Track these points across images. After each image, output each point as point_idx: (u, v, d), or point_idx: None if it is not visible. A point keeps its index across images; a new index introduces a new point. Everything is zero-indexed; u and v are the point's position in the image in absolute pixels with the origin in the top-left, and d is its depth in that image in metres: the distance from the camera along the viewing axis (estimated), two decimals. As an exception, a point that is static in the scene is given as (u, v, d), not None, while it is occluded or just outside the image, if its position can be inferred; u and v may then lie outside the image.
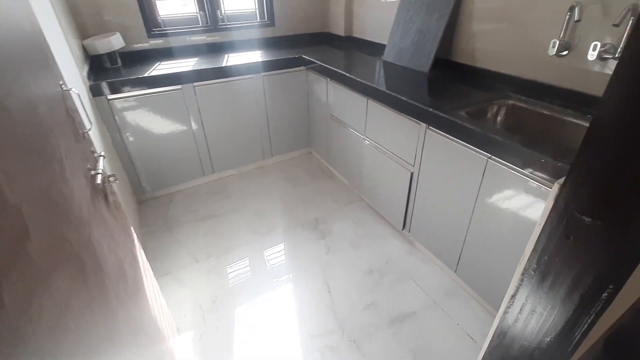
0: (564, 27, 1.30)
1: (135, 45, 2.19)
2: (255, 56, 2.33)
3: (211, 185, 2.35)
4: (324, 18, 2.78)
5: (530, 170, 1.07)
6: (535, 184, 1.07)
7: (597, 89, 1.31)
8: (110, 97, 1.80)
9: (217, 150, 2.28)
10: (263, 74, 2.19)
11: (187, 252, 1.79)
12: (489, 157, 1.21)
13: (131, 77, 1.80)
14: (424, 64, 1.84)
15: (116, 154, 1.93)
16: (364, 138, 1.91)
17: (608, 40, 1.23)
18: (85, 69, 1.76)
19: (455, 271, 1.54)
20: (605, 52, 1.23)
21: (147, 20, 2.18)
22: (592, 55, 1.24)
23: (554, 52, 1.35)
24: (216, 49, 2.44)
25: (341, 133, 2.14)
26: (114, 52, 2.00)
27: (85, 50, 1.93)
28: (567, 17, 1.28)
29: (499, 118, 1.54)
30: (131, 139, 1.95)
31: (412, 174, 1.61)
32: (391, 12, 2.12)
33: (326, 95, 2.17)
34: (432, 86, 1.67)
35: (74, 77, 1.50)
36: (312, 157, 2.68)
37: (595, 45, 1.21)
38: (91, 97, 1.72)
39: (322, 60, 2.17)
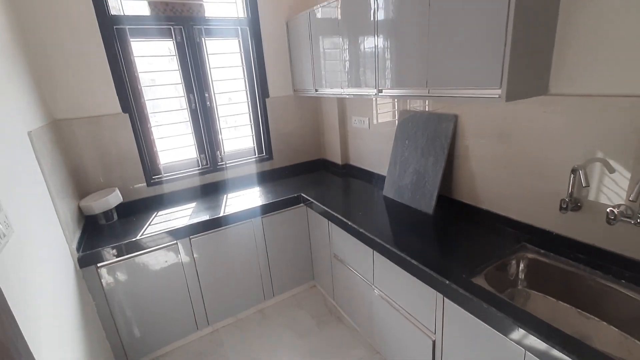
0: (569, 187, 1.26)
1: (133, 195, 2.18)
2: (254, 194, 2.32)
3: (204, 342, 2.09)
4: (320, 147, 2.88)
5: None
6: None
7: (625, 248, 1.19)
8: (100, 264, 1.69)
9: (213, 300, 2.09)
10: (262, 216, 2.14)
11: None
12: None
13: (124, 242, 1.72)
14: (427, 205, 1.79)
15: (100, 325, 1.74)
16: (373, 287, 1.75)
17: (622, 201, 1.17)
18: (77, 237, 1.69)
19: None
20: (623, 214, 1.15)
21: (147, 170, 2.22)
22: (610, 220, 1.16)
23: (565, 212, 1.29)
24: (214, 190, 2.45)
25: (347, 275, 1.99)
26: (110, 209, 1.97)
27: (80, 210, 1.90)
28: (572, 178, 1.25)
29: (520, 275, 1.41)
30: (117, 304, 1.79)
31: (434, 342, 1.41)
32: (386, 145, 2.17)
33: (328, 236, 2.08)
34: (439, 234, 1.59)
35: (59, 257, 1.41)
36: (317, 292, 2.48)
37: (612, 212, 1.14)
38: (78, 269, 1.61)
39: (320, 195, 2.16)
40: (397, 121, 2.07)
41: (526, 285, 1.41)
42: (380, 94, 1.72)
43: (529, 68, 1.19)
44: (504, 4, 1.07)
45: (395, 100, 2.06)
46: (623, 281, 1.17)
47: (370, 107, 2.28)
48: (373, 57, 1.68)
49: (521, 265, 1.41)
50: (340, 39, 1.88)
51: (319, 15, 2.03)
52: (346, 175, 2.61)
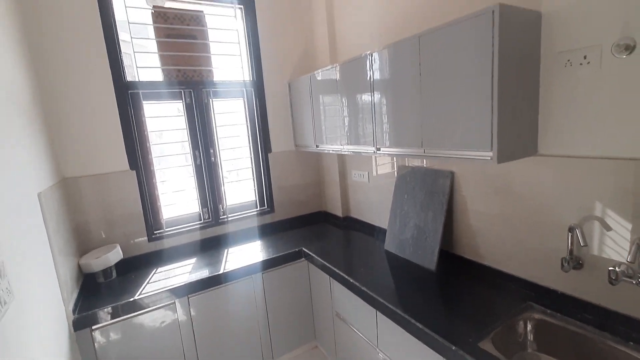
0: (569, 246, 1.27)
1: (134, 251, 2.17)
2: (255, 249, 2.31)
3: (199, 410, 1.95)
4: (321, 200, 2.92)
5: None
6: None
7: (630, 308, 1.17)
8: (95, 327, 1.64)
9: (209, 364, 1.99)
10: (262, 272, 2.11)
11: None
12: None
13: (120, 303, 1.68)
14: (429, 261, 1.77)
15: (89, 394, 1.64)
16: (377, 350, 1.67)
17: (623, 260, 1.17)
18: (74, 297, 1.66)
19: None
20: (625, 274, 1.15)
21: (149, 225, 2.23)
22: (612, 281, 1.15)
23: (567, 271, 1.28)
24: (216, 244, 2.44)
25: (350, 336, 1.91)
26: (110, 266, 1.96)
27: (80, 268, 1.88)
28: (570, 236, 1.26)
29: (529, 337, 1.36)
30: (110, 368, 1.70)
31: (444, 413, 1.32)
32: (385, 198, 2.20)
33: (330, 293, 2.04)
34: (443, 293, 1.56)
35: (54, 320, 1.38)
36: (319, 353, 2.35)
37: (613, 271, 1.14)
38: (72, 332, 1.56)
39: (321, 250, 2.15)
40: (396, 174, 2.12)
41: (536, 349, 1.35)
42: (378, 152, 1.80)
43: (518, 131, 1.27)
44: (488, 75, 1.17)
45: (394, 156, 2.14)
46: (631, 343, 1.13)
47: (370, 162, 2.36)
48: (370, 117, 1.78)
49: (529, 326, 1.37)
50: (339, 98, 2.01)
51: (319, 78, 2.19)
52: (347, 227, 2.62)
